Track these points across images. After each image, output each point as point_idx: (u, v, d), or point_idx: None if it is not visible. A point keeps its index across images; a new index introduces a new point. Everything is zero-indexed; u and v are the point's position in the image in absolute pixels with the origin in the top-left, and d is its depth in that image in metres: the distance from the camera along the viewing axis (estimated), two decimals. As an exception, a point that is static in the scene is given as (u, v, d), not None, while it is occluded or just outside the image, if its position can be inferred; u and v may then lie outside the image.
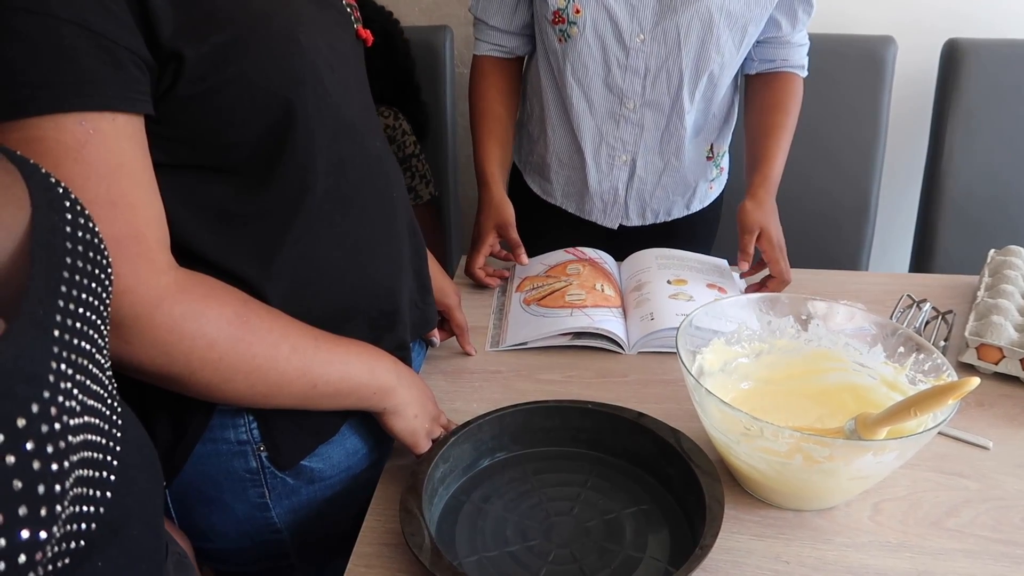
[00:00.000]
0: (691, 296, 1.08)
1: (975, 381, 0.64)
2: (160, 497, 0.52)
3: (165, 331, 0.60)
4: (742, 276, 1.17)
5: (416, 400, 0.78)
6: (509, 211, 1.16)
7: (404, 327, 0.83)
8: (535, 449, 0.84)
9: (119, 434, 0.44)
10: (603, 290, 1.12)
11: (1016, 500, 0.80)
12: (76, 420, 0.39)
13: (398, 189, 0.83)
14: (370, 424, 0.80)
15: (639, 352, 1.04)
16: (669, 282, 1.12)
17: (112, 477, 0.42)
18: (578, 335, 1.04)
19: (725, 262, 1.21)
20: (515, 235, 1.16)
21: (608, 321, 1.05)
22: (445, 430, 0.82)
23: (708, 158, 1.29)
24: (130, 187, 0.58)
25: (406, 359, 0.84)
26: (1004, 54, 1.55)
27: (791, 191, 1.61)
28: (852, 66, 1.59)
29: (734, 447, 0.74)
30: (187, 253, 0.65)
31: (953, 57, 1.57)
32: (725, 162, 1.36)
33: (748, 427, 0.70)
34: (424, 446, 0.79)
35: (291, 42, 0.64)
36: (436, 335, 1.01)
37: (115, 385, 0.46)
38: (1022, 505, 0.79)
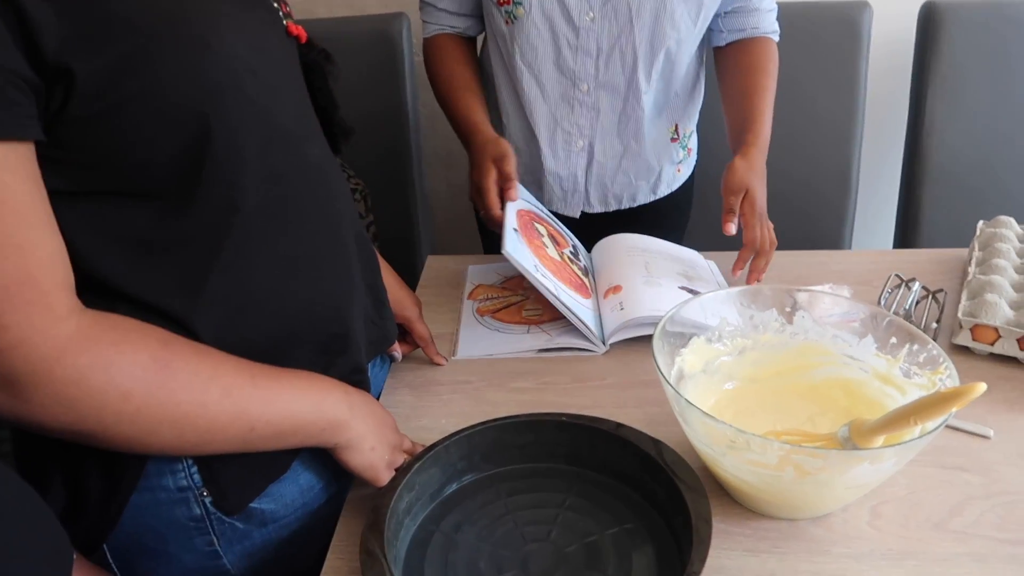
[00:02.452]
0: (661, 284, 1.03)
1: (981, 387, 0.58)
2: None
3: (70, 385, 0.53)
4: (725, 233, 1.08)
5: (372, 431, 0.72)
6: (506, 144, 1.05)
7: (358, 349, 0.77)
8: (508, 467, 0.78)
9: None
10: (571, 262, 1.07)
11: (1022, 494, 0.75)
12: None
13: (342, 199, 0.76)
14: (325, 456, 0.74)
15: (612, 345, 0.98)
16: (646, 267, 1.07)
17: None
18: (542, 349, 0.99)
19: (698, 255, 1.15)
20: (511, 168, 1.04)
21: (564, 336, 0.99)
22: (410, 455, 0.76)
23: (672, 139, 1.23)
24: (17, 226, 0.51)
25: (363, 383, 0.77)
26: (982, 16, 1.50)
27: (770, 168, 1.55)
28: (827, 34, 1.53)
29: (720, 460, 0.69)
30: (102, 289, 0.58)
31: (931, 21, 1.51)
32: (693, 143, 1.30)
33: (733, 440, 0.65)
34: (384, 479, 0.73)
35: (202, 48, 0.57)
36: (398, 350, 0.94)
37: None
38: (1028, 499, 0.74)
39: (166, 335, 0.60)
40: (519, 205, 1.07)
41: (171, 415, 0.58)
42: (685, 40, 1.10)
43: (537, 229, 1.08)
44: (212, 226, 0.62)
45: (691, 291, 1.03)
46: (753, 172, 1.05)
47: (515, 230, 1.00)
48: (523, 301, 1.08)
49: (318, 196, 0.72)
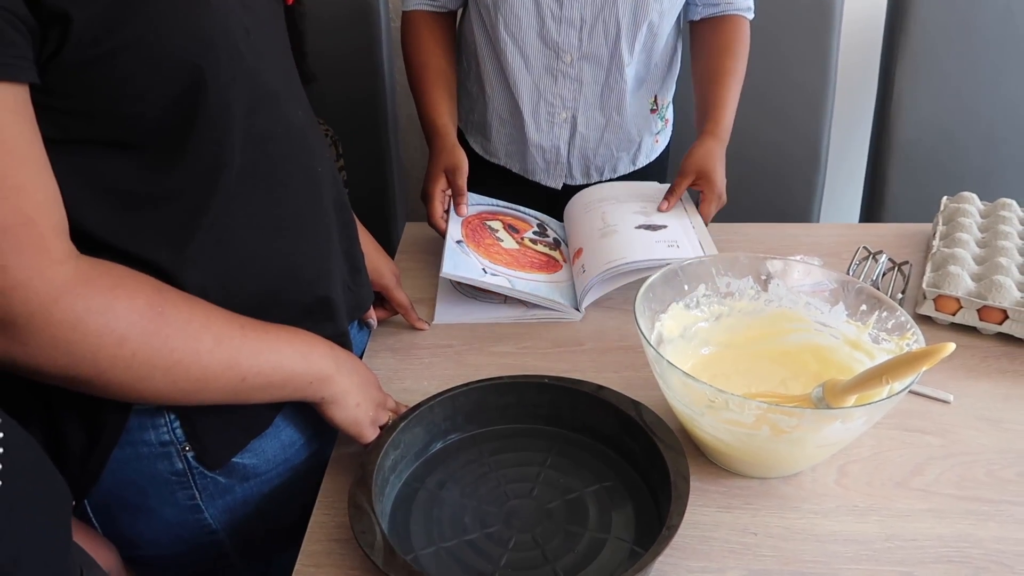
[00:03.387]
0: (616, 230, 1.05)
1: (950, 347, 0.61)
2: (64, 528, 0.46)
3: (67, 328, 0.53)
4: (660, 210, 1.11)
5: (357, 387, 0.73)
6: (461, 156, 1.08)
7: (340, 314, 0.78)
8: (491, 428, 0.80)
9: (1, 467, 0.38)
10: (534, 245, 1.10)
11: (979, 454, 0.79)
12: None
13: (323, 163, 0.76)
14: (307, 412, 0.75)
15: (590, 310, 1.01)
16: (601, 220, 1.09)
17: None
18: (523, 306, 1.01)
19: (658, 186, 1.18)
20: (462, 182, 1.07)
21: (536, 309, 1.01)
22: (395, 414, 0.77)
23: (652, 111, 1.24)
24: (14, 167, 0.50)
25: (346, 346, 0.78)
26: (952, -5, 1.53)
27: (741, 142, 1.57)
28: (800, 10, 1.55)
29: (698, 419, 0.71)
30: (90, 240, 0.58)
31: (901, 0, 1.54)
32: (670, 113, 1.31)
33: (712, 399, 0.67)
34: (369, 435, 0.74)
35: (198, 1, 0.57)
36: (373, 316, 0.95)
37: None
38: (985, 459, 0.78)
39: (158, 283, 0.60)
40: (469, 210, 1.11)
41: (165, 362, 0.59)
42: (668, 12, 1.11)
43: (489, 227, 1.10)
44: (199, 182, 0.62)
45: (650, 227, 1.05)
46: (710, 158, 1.09)
47: (459, 242, 1.04)
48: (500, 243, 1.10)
49: (301, 159, 0.72)
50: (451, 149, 1.09)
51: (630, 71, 1.15)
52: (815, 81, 1.59)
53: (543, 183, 1.26)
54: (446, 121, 1.12)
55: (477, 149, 1.29)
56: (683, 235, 1.04)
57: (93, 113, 0.56)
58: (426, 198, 1.10)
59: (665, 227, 1.05)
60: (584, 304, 1.00)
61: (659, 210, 1.09)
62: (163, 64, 0.56)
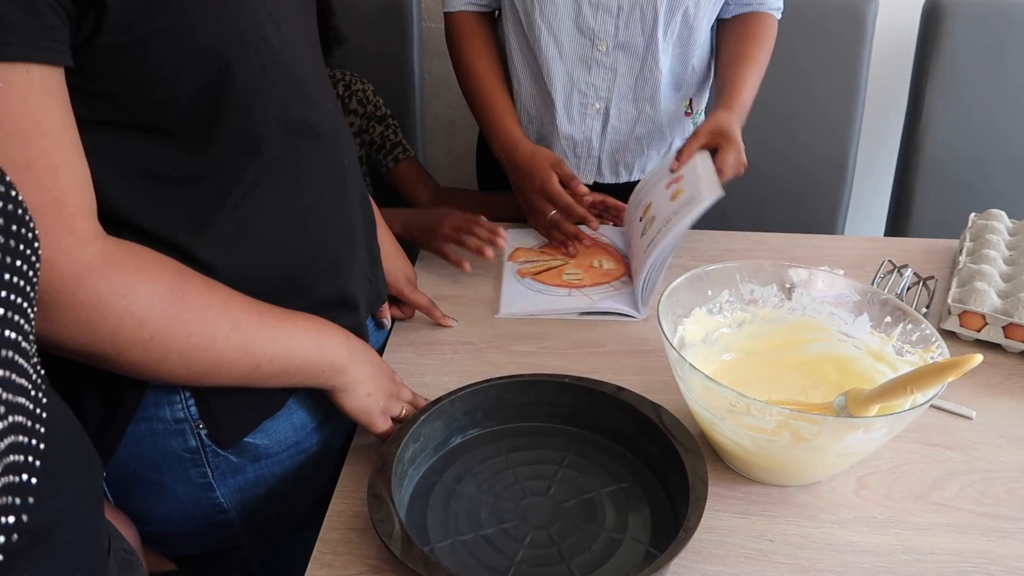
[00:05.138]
0: (654, 216, 1.04)
1: (977, 358, 0.61)
2: (98, 495, 0.47)
3: (89, 308, 0.55)
4: (671, 170, 1.08)
5: (369, 377, 0.74)
6: (552, 152, 1.11)
7: (360, 305, 0.79)
8: (509, 425, 0.80)
9: (45, 430, 0.39)
10: (601, 266, 1.10)
11: (1000, 471, 0.78)
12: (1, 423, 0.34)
13: (349, 156, 0.77)
14: (318, 396, 0.75)
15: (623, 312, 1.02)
16: (640, 220, 1.09)
17: (34, 480, 0.37)
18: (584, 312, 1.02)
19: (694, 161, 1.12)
20: (568, 168, 1.09)
21: (606, 300, 1.02)
22: (412, 406, 0.78)
23: (687, 113, 1.24)
24: (49, 147, 0.52)
25: (363, 337, 0.79)
26: (984, 14, 1.52)
27: (769, 151, 1.58)
28: (832, 23, 1.55)
29: (718, 423, 0.71)
30: (113, 218, 0.59)
31: (934, 16, 1.53)
32: (702, 120, 1.31)
33: (734, 404, 0.67)
34: (379, 425, 0.75)
35: None
36: (387, 315, 0.94)
37: (42, 374, 0.41)
38: (1006, 477, 0.78)
39: (181, 267, 0.61)
40: (521, 240, 1.14)
41: (182, 345, 0.60)
42: (704, 2, 1.11)
43: (542, 258, 1.13)
44: (226, 169, 0.63)
45: (676, 180, 1.04)
46: (725, 122, 1.05)
47: (516, 275, 1.06)
48: (563, 265, 1.10)
49: (328, 152, 0.73)
50: (541, 148, 1.11)
51: (665, 63, 1.14)
52: (844, 94, 1.58)
53: None
54: (519, 133, 1.14)
55: None
56: (691, 186, 1.02)
57: (123, 97, 0.57)
58: (547, 196, 1.09)
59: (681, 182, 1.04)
60: (645, 306, 1.01)
61: (671, 171, 1.07)
62: (192, 53, 0.57)
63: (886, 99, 1.73)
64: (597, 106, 1.18)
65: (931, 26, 1.54)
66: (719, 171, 1.03)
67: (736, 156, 1.04)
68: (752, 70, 1.13)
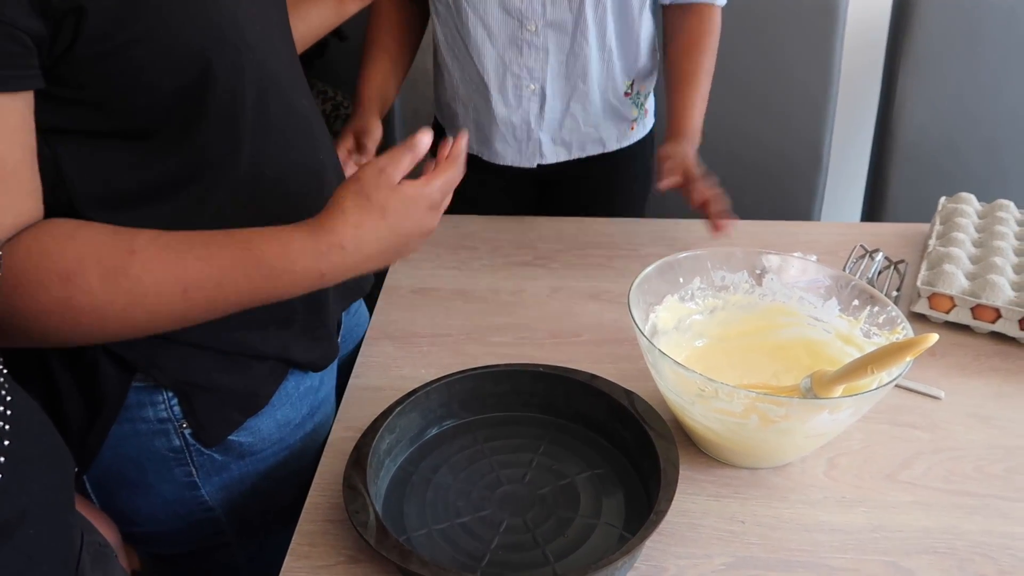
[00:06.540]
0: None
1: (933, 337, 0.62)
2: (68, 489, 0.47)
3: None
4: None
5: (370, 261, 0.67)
6: (374, 123, 1.08)
7: (333, 308, 0.79)
8: (485, 415, 0.81)
9: (10, 427, 0.39)
10: None
11: (968, 450, 0.80)
12: None
13: (325, 150, 0.77)
14: (302, 393, 0.76)
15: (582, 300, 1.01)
16: None
17: None
18: None
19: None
20: (372, 146, 1.06)
21: None
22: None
23: (626, 93, 1.22)
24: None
25: (333, 347, 0.79)
26: (956, 0, 1.54)
27: (742, 141, 1.59)
28: (806, 11, 1.56)
29: (689, 408, 0.72)
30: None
31: (906, 2, 1.55)
32: (650, 104, 1.29)
33: (703, 388, 0.68)
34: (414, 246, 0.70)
35: None
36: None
37: (4, 373, 0.42)
38: (974, 455, 0.79)
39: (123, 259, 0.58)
40: None
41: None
42: None
43: None
44: (205, 171, 0.63)
45: None
46: (682, 146, 1.07)
47: None
48: None
49: (304, 147, 0.73)
50: (363, 115, 1.09)
51: (595, 37, 1.13)
52: (818, 82, 1.60)
53: (515, 165, 1.24)
54: (370, 94, 1.12)
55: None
56: None
57: (104, 103, 0.57)
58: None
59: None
60: None
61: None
62: (173, 55, 0.57)
63: (860, 86, 1.74)
64: (532, 87, 1.17)
65: (903, 11, 1.55)
66: (703, 206, 1.03)
67: (704, 181, 1.04)
68: (699, 90, 1.13)
